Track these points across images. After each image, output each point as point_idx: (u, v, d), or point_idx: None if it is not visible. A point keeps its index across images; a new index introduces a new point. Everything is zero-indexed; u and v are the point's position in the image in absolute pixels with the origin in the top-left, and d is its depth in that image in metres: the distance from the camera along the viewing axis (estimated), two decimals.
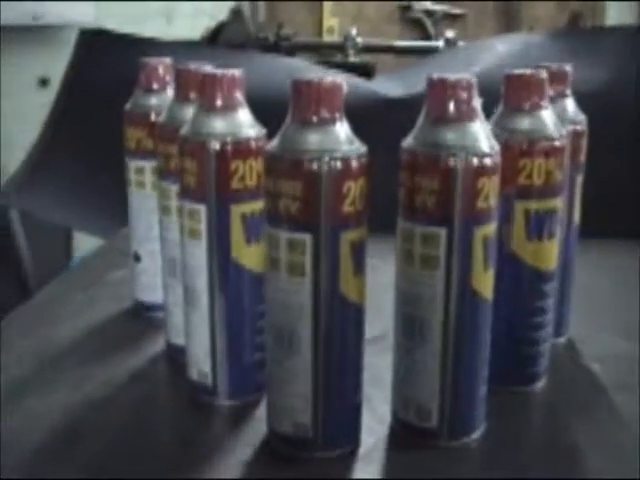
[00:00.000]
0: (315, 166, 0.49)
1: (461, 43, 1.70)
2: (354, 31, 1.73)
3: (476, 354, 0.54)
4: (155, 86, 0.72)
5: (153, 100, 0.72)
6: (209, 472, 0.53)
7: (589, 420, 0.60)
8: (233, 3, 1.85)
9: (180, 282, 0.61)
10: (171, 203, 0.64)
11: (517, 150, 0.59)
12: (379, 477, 0.53)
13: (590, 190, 0.70)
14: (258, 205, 0.56)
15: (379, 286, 0.58)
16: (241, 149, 0.56)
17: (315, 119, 0.50)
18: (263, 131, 0.58)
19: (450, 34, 1.71)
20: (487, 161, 0.51)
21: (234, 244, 0.57)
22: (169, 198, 0.64)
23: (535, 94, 0.59)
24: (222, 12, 1.75)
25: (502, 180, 0.53)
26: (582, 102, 0.68)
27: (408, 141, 0.52)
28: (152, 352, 0.69)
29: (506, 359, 0.62)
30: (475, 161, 0.50)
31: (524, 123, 0.59)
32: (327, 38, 2.83)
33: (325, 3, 2.89)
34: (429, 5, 2.69)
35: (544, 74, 0.60)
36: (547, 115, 0.60)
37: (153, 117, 0.70)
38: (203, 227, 0.57)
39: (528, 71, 0.60)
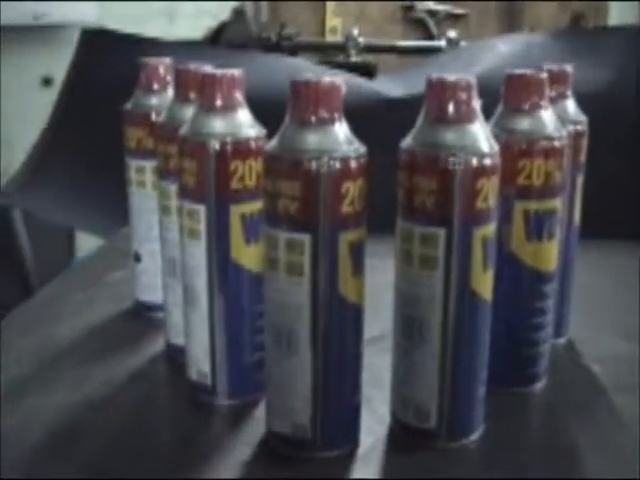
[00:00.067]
0: (314, 166, 0.49)
1: (463, 43, 1.70)
2: (356, 31, 1.73)
3: (475, 355, 0.54)
4: (155, 86, 0.72)
5: (154, 100, 0.72)
6: (208, 472, 0.53)
7: (589, 421, 0.60)
8: (235, 3, 1.85)
9: (180, 282, 0.61)
10: (171, 203, 0.64)
11: (517, 150, 0.58)
12: (377, 477, 0.53)
13: (591, 191, 0.70)
14: (257, 205, 0.56)
15: (379, 286, 0.58)
16: (241, 149, 0.56)
17: (314, 119, 0.50)
18: (263, 131, 0.58)
19: (452, 34, 1.71)
20: (486, 161, 0.51)
21: (233, 244, 0.57)
22: (169, 198, 0.64)
23: (535, 94, 0.59)
24: (225, 12, 1.76)
25: (502, 180, 0.53)
26: (583, 102, 0.68)
27: (407, 141, 0.52)
28: (152, 352, 0.70)
29: (506, 360, 0.61)
30: (474, 161, 0.50)
31: (524, 123, 0.59)
32: (330, 38, 2.83)
33: (328, 3, 2.89)
34: (432, 5, 2.69)
35: (544, 75, 0.60)
36: (547, 116, 0.60)
37: (154, 117, 0.70)
38: (202, 227, 0.57)
39: (528, 71, 0.60)
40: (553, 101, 0.63)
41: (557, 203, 0.61)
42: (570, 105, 0.67)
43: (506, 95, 0.60)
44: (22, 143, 1.44)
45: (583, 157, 0.68)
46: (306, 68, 1.28)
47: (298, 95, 0.50)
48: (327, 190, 0.49)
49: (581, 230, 0.70)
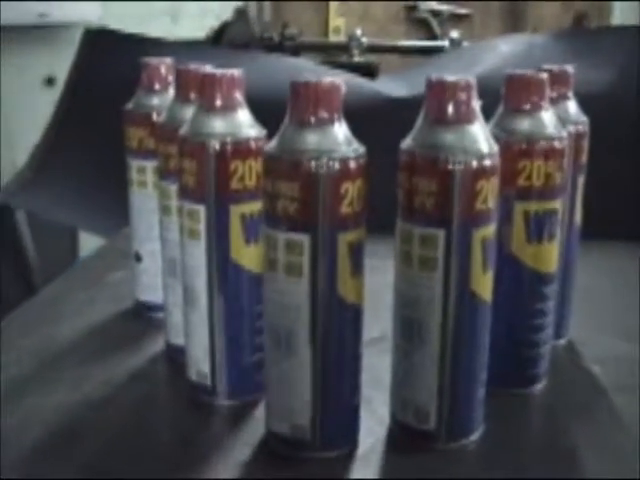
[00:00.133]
0: (313, 167, 0.49)
1: (465, 43, 1.69)
2: (359, 31, 1.73)
3: (474, 356, 0.54)
4: (157, 86, 0.72)
5: (155, 100, 0.72)
6: (208, 472, 0.53)
7: (589, 422, 0.60)
8: (238, 3, 1.85)
9: (180, 282, 0.61)
10: (171, 203, 0.64)
11: (517, 151, 0.58)
12: (377, 478, 0.53)
13: (592, 191, 0.70)
14: (257, 205, 0.56)
15: (379, 287, 0.58)
16: (241, 149, 0.56)
17: (313, 120, 0.50)
18: (263, 131, 0.58)
19: (454, 34, 1.71)
20: (486, 163, 0.51)
21: (233, 244, 0.57)
22: (169, 198, 0.64)
23: (535, 95, 0.59)
24: (228, 12, 1.76)
25: (502, 181, 0.53)
26: (585, 103, 0.68)
27: (407, 142, 0.52)
28: (152, 352, 0.70)
29: (506, 361, 0.61)
30: (474, 163, 0.50)
31: (524, 124, 0.59)
32: (333, 38, 2.83)
33: (331, 3, 2.89)
34: (435, 5, 2.68)
35: (544, 75, 0.60)
36: (547, 116, 0.59)
37: (155, 117, 0.70)
38: (202, 227, 0.57)
39: (528, 72, 0.60)
40: (554, 102, 0.63)
41: (557, 204, 0.61)
42: (571, 106, 0.67)
43: (506, 96, 0.60)
44: (25, 143, 1.44)
45: (584, 158, 0.68)
46: (308, 68, 1.28)
47: (297, 95, 0.50)
48: (326, 191, 0.49)
49: (582, 231, 0.70)
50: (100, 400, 0.62)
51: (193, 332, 0.60)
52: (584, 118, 0.67)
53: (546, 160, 0.59)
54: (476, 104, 0.52)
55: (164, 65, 0.72)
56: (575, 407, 0.62)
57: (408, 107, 0.57)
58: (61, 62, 1.40)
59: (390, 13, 2.85)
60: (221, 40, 1.53)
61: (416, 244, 0.52)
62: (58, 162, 1.27)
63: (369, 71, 1.49)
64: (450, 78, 0.51)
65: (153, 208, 0.70)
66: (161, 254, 0.67)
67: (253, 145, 0.56)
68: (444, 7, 2.66)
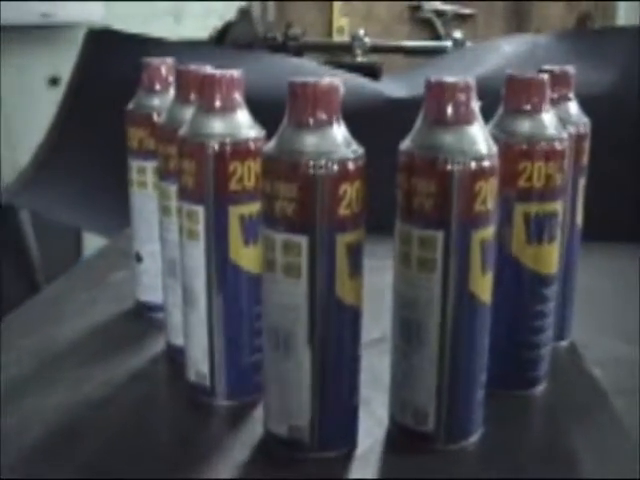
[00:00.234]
0: (311, 168, 0.49)
1: (469, 44, 1.69)
2: (362, 31, 1.73)
3: (473, 357, 0.54)
4: (157, 86, 0.72)
5: (155, 100, 0.72)
6: (207, 472, 0.53)
7: (588, 424, 0.60)
8: (242, 3, 1.85)
9: (180, 283, 0.61)
10: (171, 204, 0.64)
11: (517, 152, 0.58)
12: (375, 479, 0.53)
13: (593, 193, 0.69)
14: (256, 206, 0.56)
15: (380, 288, 0.58)
16: (240, 150, 0.56)
17: (312, 121, 0.50)
18: (262, 132, 0.57)
19: (458, 34, 1.70)
20: (485, 164, 0.51)
21: (232, 245, 0.57)
22: (169, 199, 0.64)
23: (536, 96, 0.59)
24: (231, 12, 1.75)
25: (502, 182, 0.53)
26: (588, 104, 0.68)
27: (406, 143, 0.52)
28: (153, 352, 0.70)
29: (506, 363, 0.61)
30: (472, 164, 0.50)
31: (524, 125, 0.59)
32: (337, 38, 2.83)
33: (335, 3, 2.89)
34: (439, 5, 2.68)
35: (545, 76, 0.60)
36: (548, 118, 0.59)
37: (155, 117, 0.70)
38: (201, 228, 0.57)
39: (529, 73, 0.60)
40: (555, 103, 0.63)
41: (558, 206, 0.61)
42: (572, 107, 0.67)
43: (507, 97, 0.60)
44: (28, 143, 1.44)
45: (585, 159, 0.68)
46: (310, 68, 1.28)
47: (296, 97, 0.50)
48: (324, 192, 0.49)
49: (583, 232, 0.69)
50: (100, 400, 0.62)
51: (192, 333, 0.60)
52: (585, 119, 0.67)
53: (546, 161, 0.58)
54: (475, 105, 0.52)
55: (165, 65, 0.72)
56: (575, 409, 0.62)
57: (408, 108, 0.56)
58: (65, 62, 1.40)
59: (394, 13, 2.84)
60: (224, 40, 1.53)
61: (415, 245, 0.52)
62: (61, 162, 1.27)
63: (372, 71, 1.48)
64: (449, 79, 0.51)
65: (153, 209, 0.70)
66: (161, 255, 0.67)
67: (252, 146, 0.56)
68: (448, 7, 2.66)
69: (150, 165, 0.72)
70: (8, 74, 2.05)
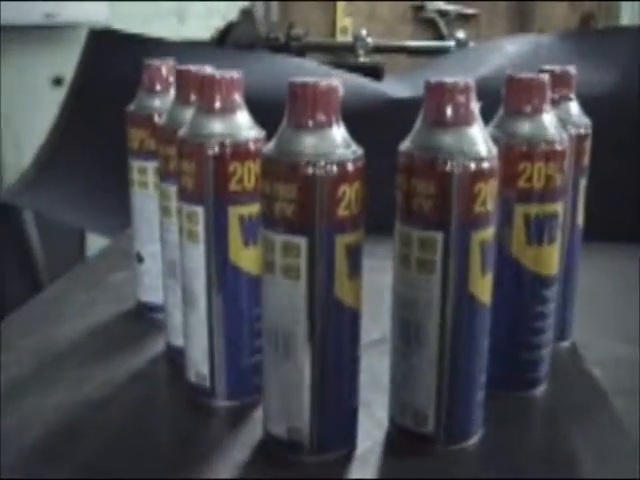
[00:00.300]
0: (311, 170, 0.49)
1: (472, 44, 1.69)
2: (365, 31, 1.73)
3: (473, 359, 0.54)
4: (158, 87, 0.72)
5: (156, 101, 0.72)
6: (207, 472, 0.53)
7: (588, 425, 0.60)
8: (245, 3, 1.85)
9: (180, 284, 0.61)
10: (171, 204, 0.64)
11: (517, 153, 0.58)
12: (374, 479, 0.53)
13: (594, 194, 0.69)
14: (256, 207, 0.56)
15: (380, 289, 0.58)
16: (239, 151, 0.56)
17: (311, 122, 0.50)
18: (262, 133, 0.57)
19: (461, 34, 1.70)
20: (484, 165, 0.51)
21: (232, 246, 0.57)
22: (169, 199, 0.64)
23: (536, 97, 0.59)
24: (234, 12, 1.76)
25: (502, 183, 0.53)
26: (590, 104, 0.68)
27: (405, 144, 0.52)
28: (153, 353, 0.70)
29: (506, 364, 0.61)
30: (472, 165, 0.50)
31: (524, 126, 0.59)
32: (340, 38, 2.83)
33: (338, 3, 2.89)
34: (442, 5, 2.68)
35: (545, 77, 0.59)
36: (548, 119, 0.59)
37: (156, 118, 0.70)
38: (201, 229, 0.57)
39: (529, 74, 0.60)
40: (556, 103, 0.63)
41: (558, 206, 0.60)
42: (573, 107, 0.67)
43: (507, 98, 0.60)
44: (32, 143, 1.44)
45: (586, 160, 0.67)
46: (311, 69, 1.28)
47: (295, 97, 0.50)
48: (324, 193, 0.49)
49: (584, 233, 0.69)
50: (100, 400, 0.62)
51: (192, 334, 0.60)
52: (586, 120, 0.67)
53: (547, 162, 0.58)
54: (475, 106, 0.51)
55: (165, 66, 0.72)
56: (575, 410, 0.62)
57: (409, 108, 0.56)
58: (69, 62, 1.41)
59: (397, 13, 2.84)
60: (226, 41, 1.53)
61: (414, 247, 0.52)
62: (63, 162, 1.27)
63: (374, 72, 1.48)
64: (449, 80, 0.51)
65: (154, 209, 0.70)
66: (161, 255, 0.67)
67: (252, 147, 0.56)
68: (451, 7, 2.66)
69: (151, 165, 0.72)
70: (11, 74, 2.05)
